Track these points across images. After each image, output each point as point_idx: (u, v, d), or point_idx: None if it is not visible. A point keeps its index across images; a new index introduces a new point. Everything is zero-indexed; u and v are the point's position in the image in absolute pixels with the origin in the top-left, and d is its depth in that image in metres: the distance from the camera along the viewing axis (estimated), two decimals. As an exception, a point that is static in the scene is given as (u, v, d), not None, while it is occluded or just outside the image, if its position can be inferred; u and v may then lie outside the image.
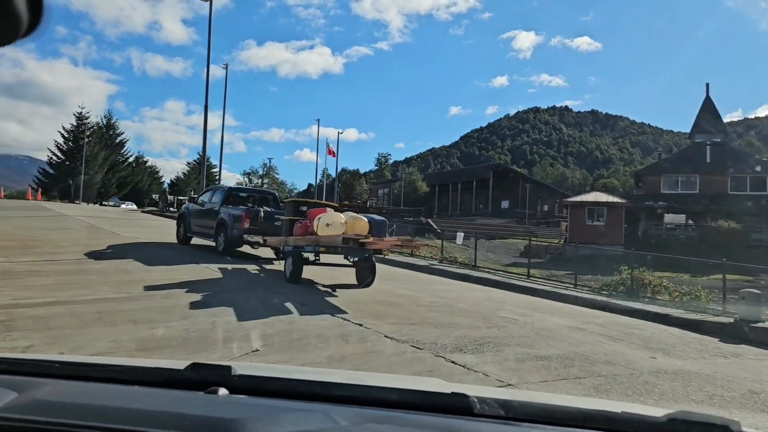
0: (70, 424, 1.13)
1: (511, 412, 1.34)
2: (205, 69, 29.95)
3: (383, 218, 11.63)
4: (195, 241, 16.60)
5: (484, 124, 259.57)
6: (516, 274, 18.04)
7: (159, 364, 1.68)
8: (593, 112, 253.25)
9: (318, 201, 14.55)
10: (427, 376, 4.63)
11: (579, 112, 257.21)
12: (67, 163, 72.48)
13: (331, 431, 1.19)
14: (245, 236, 13.81)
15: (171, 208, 38.07)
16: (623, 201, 44.00)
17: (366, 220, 10.56)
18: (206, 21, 40.74)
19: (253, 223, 13.79)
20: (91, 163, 73.12)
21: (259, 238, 13.54)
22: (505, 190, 67.16)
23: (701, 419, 1.22)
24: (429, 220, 50.05)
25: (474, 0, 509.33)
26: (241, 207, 14.49)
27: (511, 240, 42.24)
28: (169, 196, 44.38)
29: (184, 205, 18.25)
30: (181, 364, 1.55)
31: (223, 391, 1.40)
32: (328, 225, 10.30)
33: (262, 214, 13.97)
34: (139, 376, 1.57)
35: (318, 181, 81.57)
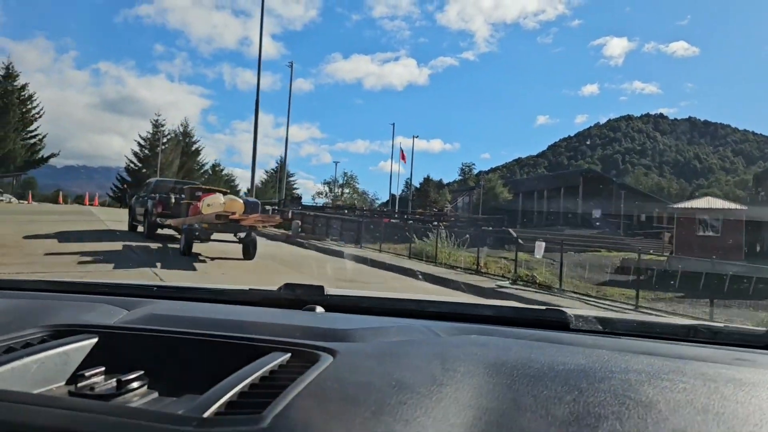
0: (186, 332, 1.12)
1: (609, 326, 1.34)
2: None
3: (256, 200, 14.15)
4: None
5: (572, 134, 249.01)
6: (616, 301, 13.21)
7: (253, 287, 1.73)
8: (690, 120, 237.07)
9: (211, 188, 16.18)
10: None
11: (675, 119, 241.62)
12: (144, 170, 72.74)
13: (436, 342, 1.18)
14: (158, 220, 15.36)
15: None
16: (743, 208, 37.30)
17: (241, 201, 13.25)
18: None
19: (165, 209, 15.19)
20: (166, 171, 73.03)
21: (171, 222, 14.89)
22: (596, 197, 60.81)
23: None
24: (510, 230, 45.15)
25: (563, 7, 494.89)
26: (157, 196, 15.71)
27: (604, 253, 36.60)
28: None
29: (133, 199, 19.66)
30: (272, 286, 1.60)
31: (319, 309, 1.44)
32: (209, 205, 12.44)
33: (172, 200, 15.22)
34: (237, 296, 1.63)
35: (400, 190, 78.72)
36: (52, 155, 62.40)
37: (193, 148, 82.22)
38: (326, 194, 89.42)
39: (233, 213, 12.05)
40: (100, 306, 1.38)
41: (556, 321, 1.36)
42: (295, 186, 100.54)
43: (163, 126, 75.14)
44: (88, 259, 10.71)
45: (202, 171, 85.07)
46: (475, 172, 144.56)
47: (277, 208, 42.46)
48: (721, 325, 1.35)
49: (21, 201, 42.89)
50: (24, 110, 58.83)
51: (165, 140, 73.99)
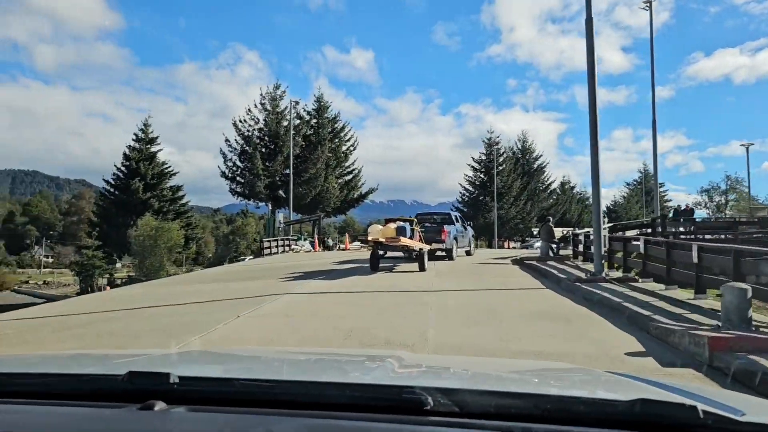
0: None
1: (465, 408, 1.24)
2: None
3: (404, 225, 17.10)
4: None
5: None
6: None
7: (96, 371, 1.63)
8: None
9: (401, 217, 18.54)
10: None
11: None
12: (480, 197, 64.50)
13: None
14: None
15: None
16: None
17: (394, 228, 16.84)
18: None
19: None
20: (504, 195, 63.47)
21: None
22: None
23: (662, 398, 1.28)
24: None
25: None
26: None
27: None
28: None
29: None
30: (122, 369, 1.39)
31: (160, 405, 1.27)
32: (370, 232, 17.46)
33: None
34: (73, 387, 1.45)
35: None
36: (371, 191, 58.09)
37: (535, 166, 71.39)
38: (706, 204, 70.78)
39: (389, 238, 16.63)
40: None
41: (412, 405, 1.23)
42: (667, 198, 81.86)
43: (497, 144, 65.85)
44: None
45: (548, 191, 73.59)
46: None
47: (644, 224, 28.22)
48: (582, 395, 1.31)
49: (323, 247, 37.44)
50: (336, 144, 55.90)
51: (501, 160, 64.49)
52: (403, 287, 13.16)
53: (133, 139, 57.91)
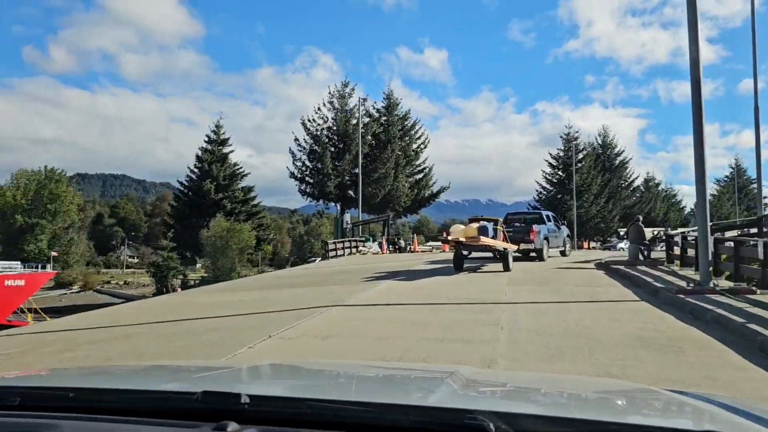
0: None
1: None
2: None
3: (485, 225, 17.03)
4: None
5: None
6: None
7: (173, 387, 1.72)
8: None
9: (485, 217, 18.74)
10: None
11: None
12: (559, 195, 61.28)
13: None
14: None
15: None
16: None
17: (475, 228, 16.68)
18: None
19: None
20: (584, 193, 59.98)
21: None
22: None
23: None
24: None
25: None
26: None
27: None
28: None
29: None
30: (196, 387, 1.47)
31: (232, 426, 1.31)
32: (452, 232, 17.25)
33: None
34: (152, 405, 1.52)
35: None
36: (442, 189, 55.86)
37: (617, 162, 67.21)
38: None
39: (470, 237, 16.52)
40: None
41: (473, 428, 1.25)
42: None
43: (576, 139, 62.33)
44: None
45: (631, 188, 69.24)
46: None
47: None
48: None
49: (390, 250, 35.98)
50: (406, 142, 54.06)
51: (579, 156, 61.00)
52: (473, 297, 11.36)
53: (205, 141, 58.51)
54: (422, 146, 55.60)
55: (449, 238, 17.11)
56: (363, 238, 39.83)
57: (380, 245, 36.81)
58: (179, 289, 43.62)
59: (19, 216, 58.00)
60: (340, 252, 33.13)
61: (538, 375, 4.19)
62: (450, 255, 21.37)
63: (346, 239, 36.69)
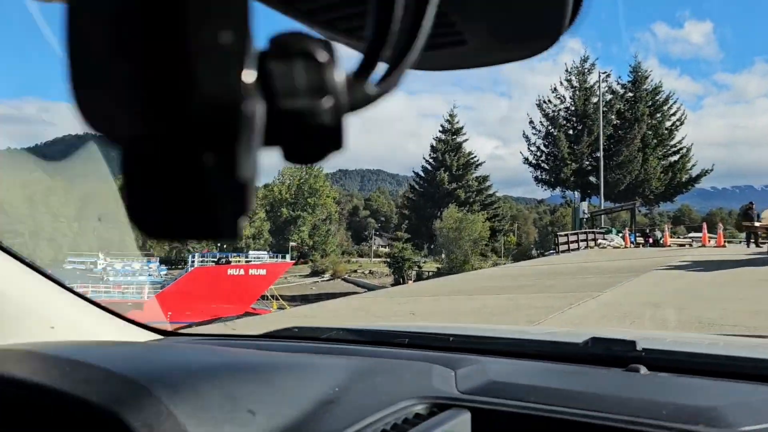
0: (554, 411, 1.08)
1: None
2: None
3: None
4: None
5: None
6: None
7: (556, 338, 1.70)
8: None
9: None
10: None
11: None
12: None
13: None
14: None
15: None
16: None
17: None
18: None
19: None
20: None
21: None
22: None
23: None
24: None
25: None
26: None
27: None
28: None
29: None
30: (577, 336, 1.46)
31: (644, 369, 1.30)
32: (764, 218, 17.10)
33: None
34: (538, 349, 1.53)
35: None
36: (704, 173, 46.89)
37: None
38: None
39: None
40: (428, 367, 1.25)
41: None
42: None
43: None
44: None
45: None
46: None
47: None
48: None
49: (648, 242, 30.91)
50: (658, 119, 46.50)
51: None
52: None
53: (439, 131, 58.24)
54: (677, 123, 47.73)
55: (756, 224, 16.93)
56: (603, 230, 35.15)
57: (623, 237, 31.97)
58: (410, 282, 43.58)
59: (284, 209, 64.12)
60: (573, 245, 29.34)
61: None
62: (718, 253, 17.39)
63: (581, 231, 32.57)
